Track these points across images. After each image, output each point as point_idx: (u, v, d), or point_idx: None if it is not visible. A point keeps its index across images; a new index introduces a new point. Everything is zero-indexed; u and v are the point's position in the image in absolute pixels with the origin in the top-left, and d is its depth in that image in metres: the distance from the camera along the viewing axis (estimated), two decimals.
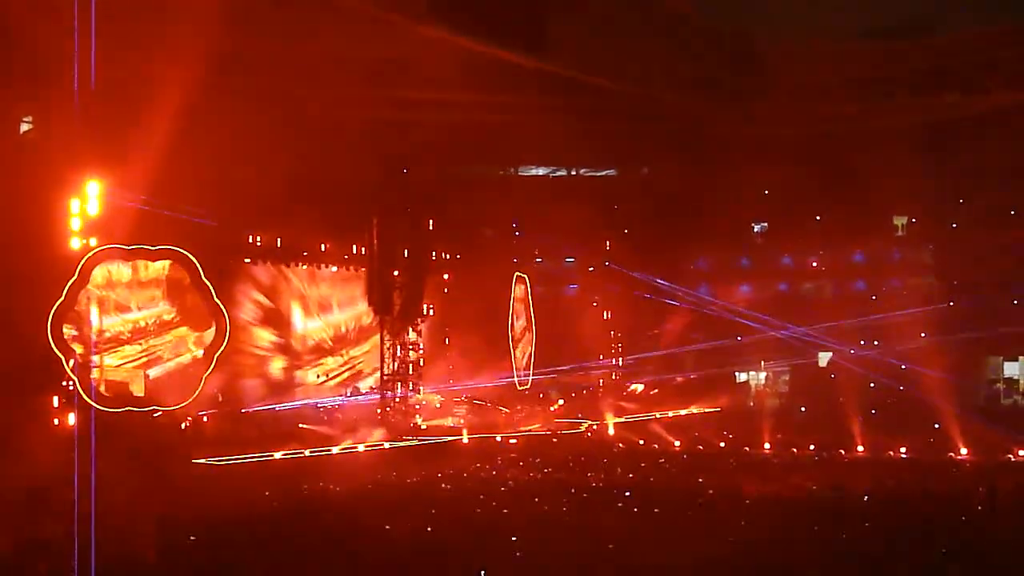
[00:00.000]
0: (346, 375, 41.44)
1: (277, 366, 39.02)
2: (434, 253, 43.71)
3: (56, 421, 29.93)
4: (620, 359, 47.03)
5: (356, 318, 41.69)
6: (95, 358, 31.84)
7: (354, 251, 40.74)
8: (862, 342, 43.44)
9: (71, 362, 30.29)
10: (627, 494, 24.68)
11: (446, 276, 44.59)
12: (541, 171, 48.41)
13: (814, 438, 35.44)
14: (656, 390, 45.79)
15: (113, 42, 31.52)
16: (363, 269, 40.10)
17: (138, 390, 32.33)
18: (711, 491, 25.80)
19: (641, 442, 37.52)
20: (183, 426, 32.95)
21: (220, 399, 35.67)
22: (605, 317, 47.29)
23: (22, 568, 15.91)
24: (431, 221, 41.72)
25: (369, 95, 37.03)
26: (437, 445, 35.99)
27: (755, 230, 50.02)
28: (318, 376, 40.33)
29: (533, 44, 34.07)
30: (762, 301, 46.17)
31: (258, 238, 37.91)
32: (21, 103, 31.87)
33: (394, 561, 17.88)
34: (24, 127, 33.11)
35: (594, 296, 47.84)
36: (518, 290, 44.36)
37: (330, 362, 40.98)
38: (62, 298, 30.11)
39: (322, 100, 36.31)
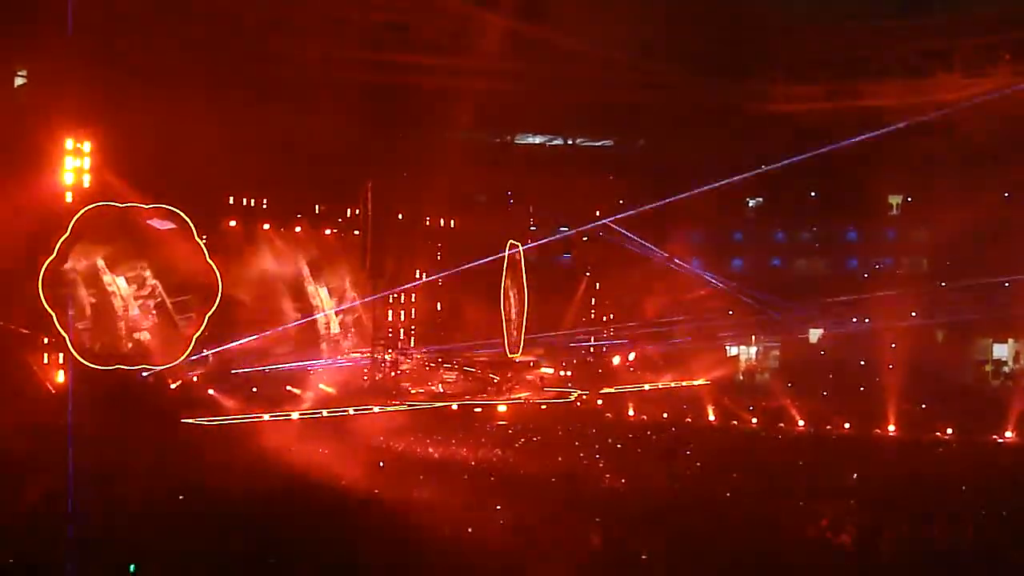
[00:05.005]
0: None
1: (271, 327, 38.90)
2: (428, 219, 43.58)
3: (46, 378, 29.91)
4: (611, 330, 47.01)
5: (346, 281, 41.48)
6: (86, 315, 31.76)
7: (348, 215, 40.59)
8: (853, 319, 43.48)
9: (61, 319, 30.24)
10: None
11: (439, 244, 44.44)
12: (538, 140, 48.22)
13: (803, 414, 35.58)
14: (646, 361, 45.80)
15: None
16: (356, 233, 39.91)
17: (128, 348, 32.22)
18: (698, 463, 25.96)
19: (631, 413, 37.68)
20: (172, 386, 32.88)
21: (209, 359, 35.62)
22: (597, 287, 47.23)
23: (13, 528, 15.91)
24: (425, 187, 41.51)
25: (366, 58, 36.80)
26: (426, 411, 36.02)
27: (749, 205, 49.93)
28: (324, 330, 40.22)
29: (533, 11, 33.91)
30: (754, 276, 46.17)
31: (251, 200, 37.77)
32: (15, 56, 31.61)
33: (381, 525, 17.96)
34: (18, 81, 32.85)
35: (587, 265, 47.74)
36: (511, 258, 44.21)
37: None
38: (53, 255, 29.95)
39: (318, 62, 36.08)
